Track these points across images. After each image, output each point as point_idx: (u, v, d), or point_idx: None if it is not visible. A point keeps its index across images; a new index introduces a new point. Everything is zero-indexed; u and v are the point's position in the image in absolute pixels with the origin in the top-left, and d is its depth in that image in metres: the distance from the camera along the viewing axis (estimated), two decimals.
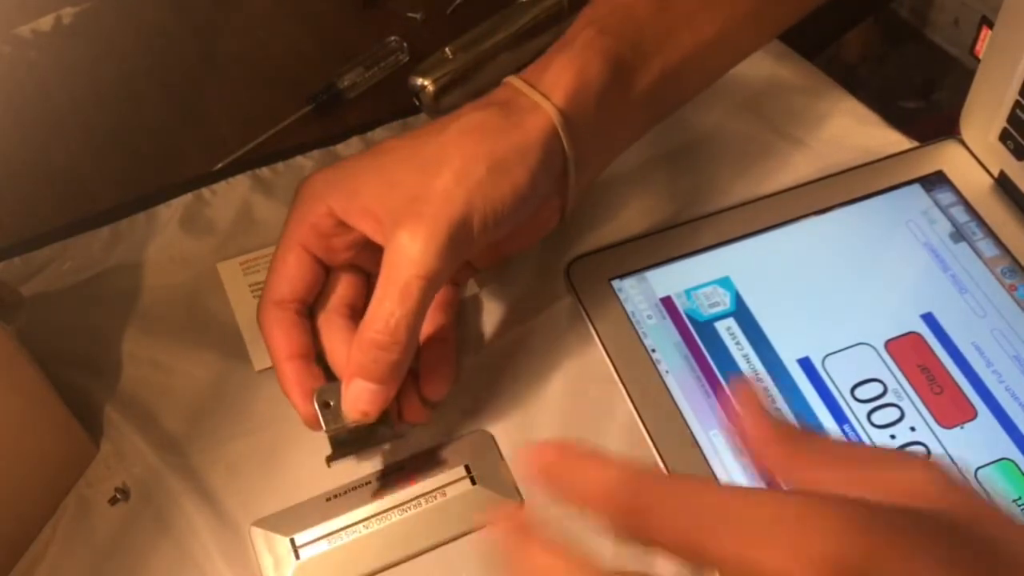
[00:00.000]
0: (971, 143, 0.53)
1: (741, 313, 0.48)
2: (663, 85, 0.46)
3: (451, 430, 0.45)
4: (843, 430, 0.44)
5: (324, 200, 0.42)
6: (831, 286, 0.49)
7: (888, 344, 0.47)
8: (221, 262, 0.51)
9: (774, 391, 0.46)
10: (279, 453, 0.45)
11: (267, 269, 0.49)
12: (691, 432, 0.44)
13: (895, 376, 0.46)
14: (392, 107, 0.58)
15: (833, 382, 0.46)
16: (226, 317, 0.49)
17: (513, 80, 0.44)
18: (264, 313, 0.43)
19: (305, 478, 0.44)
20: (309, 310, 0.45)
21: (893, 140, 0.55)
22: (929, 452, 0.44)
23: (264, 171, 0.55)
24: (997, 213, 0.51)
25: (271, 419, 0.45)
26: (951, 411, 0.45)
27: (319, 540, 0.42)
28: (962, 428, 0.44)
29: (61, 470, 0.44)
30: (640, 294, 0.49)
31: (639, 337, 0.47)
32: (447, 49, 0.57)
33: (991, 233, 0.50)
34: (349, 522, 0.43)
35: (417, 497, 0.43)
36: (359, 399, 0.40)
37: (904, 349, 0.47)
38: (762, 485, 0.43)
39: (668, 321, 0.48)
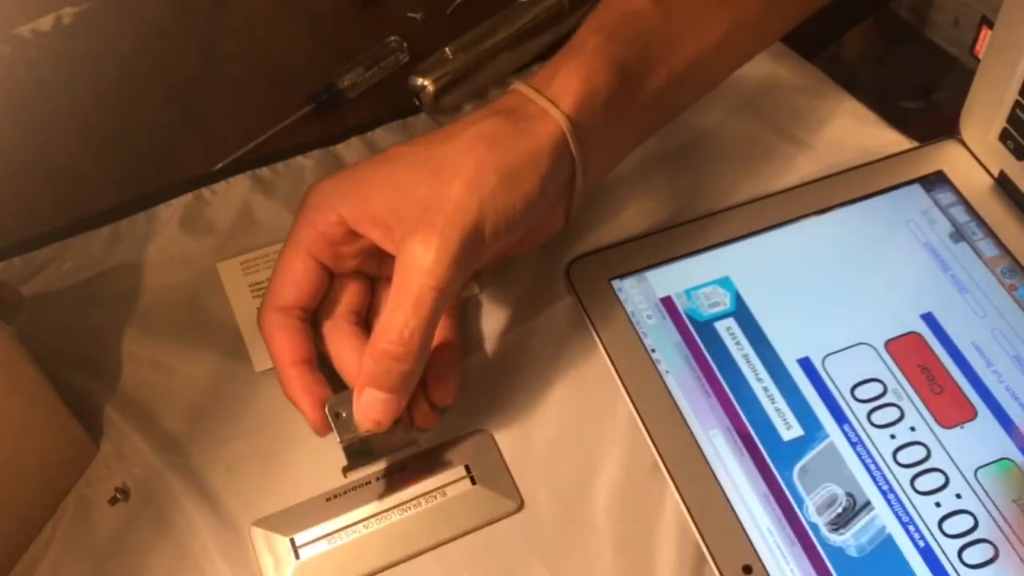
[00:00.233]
0: (971, 143, 0.53)
1: (741, 313, 0.48)
2: (668, 90, 0.46)
3: (451, 430, 0.45)
4: (843, 430, 0.44)
5: (335, 208, 0.42)
6: (831, 286, 0.49)
7: (888, 344, 0.47)
8: (221, 262, 0.51)
9: (774, 391, 0.46)
10: (279, 453, 0.45)
11: (267, 269, 0.49)
12: (691, 432, 0.44)
13: (895, 376, 0.46)
14: (392, 107, 0.58)
15: (833, 382, 0.46)
16: (226, 317, 0.49)
17: (521, 87, 0.44)
18: (266, 318, 0.43)
19: (305, 478, 0.44)
20: (310, 315, 0.45)
21: (893, 140, 0.55)
22: (929, 452, 0.44)
23: (264, 171, 0.55)
24: (997, 213, 0.51)
25: (271, 419, 0.45)
26: (951, 411, 0.45)
27: (319, 540, 0.42)
28: (962, 428, 0.44)
29: (61, 470, 0.44)
30: (640, 294, 0.49)
31: (639, 337, 0.47)
32: (447, 49, 0.57)
33: (991, 233, 0.50)
34: (349, 522, 0.43)
35: (417, 497, 0.43)
36: (371, 408, 0.40)
37: (904, 349, 0.47)
38: (763, 489, 0.43)
39: (668, 321, 0.48)
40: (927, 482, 0.43)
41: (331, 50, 0.61)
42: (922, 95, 0.82)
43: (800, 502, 0.43)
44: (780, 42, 0.59)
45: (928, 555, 0.41)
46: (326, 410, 0.41)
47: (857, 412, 0.45)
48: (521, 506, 0.43)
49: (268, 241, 0.52)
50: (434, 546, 0.42)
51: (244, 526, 0.43)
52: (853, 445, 0.44)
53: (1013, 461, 0.43)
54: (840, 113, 0.57)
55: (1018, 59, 0.47)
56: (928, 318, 0.48)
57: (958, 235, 0.50)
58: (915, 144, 0.55)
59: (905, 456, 0.44)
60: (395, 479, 0.44)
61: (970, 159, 0.53)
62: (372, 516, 0.43)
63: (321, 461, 0.43)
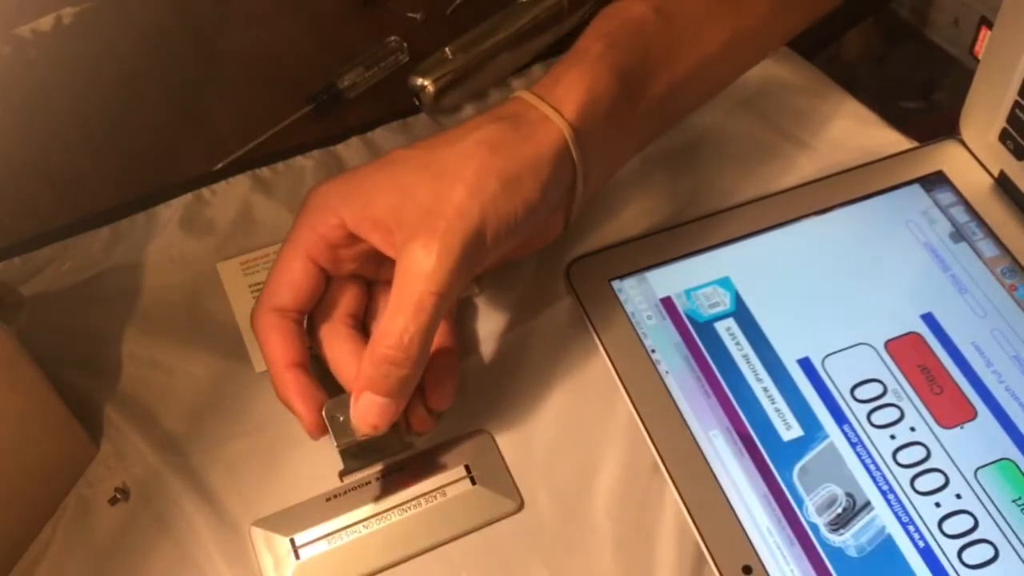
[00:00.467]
0: (971, 143, 0.53)
1: (741, 313, 0.48)
2: (670, 97, 0.47)
3: (451, 430, 0.45)
4: (843, 430, 0.44)
5: (335, 211, 0.42)
6: (831, 286, 0.49)
7: (888, 344, 0.47)
8: (221, 262, 0.51)
9: (774, 391, 0.46)
10: (279, 453, 0.45)
11: (267, 269, 0.49)
12: (691, 432, 0.44)
13: (895, 376, 0.46)
14: (392, 107, 0.58)
15: (833, 382, 0.46)
16: (226, 317, 0.49)
17: (523, 94, 0.44)
18: (261, 319, 0.43)
19: (305, 478, 0.44)
20: (305, 318, 0.45)
21: (893, 140, 0.55)
22: (929, 452, 0.44)
23: (264, 171, 0.55)
24: (997, 213, 0.51)
25: (271, 419, 0.45)
26: (951, 411, 0.45)
27: (319, 540, 0.42)
28: (962, 428, 0.44)
29: (61, 470, 0.44)
30: (640, 294, 0.49)
31: (639, 337, 0.47)
32: (447, 49, 0.57)
33: (991, 233, 0.50)
34: (349, 522, 0.43)
35: (417, 497, 0.43)
36: (369, 412, 0.40)
37: (904, 349, 0.47)
38: (763, 489, 0.43)
39: (668, 321, 0.48)
40: (927, 482, 0.43)
41: (331, 50, 0.61)
42: (922, 95, 0.82)
43: (800, 502, 0.43)
44: None
45: (928, 555, 0.41)
46: (323, 413, 0.41)
47: (857, 412, 0.45)
48: (521, 506, 0.43)
49: (268, 241, 0.52)
50: (434, 546, 0.42)
51: (244, 526, 0.43)
52: (853, 445, 0.44)
53: (1013, 461, 0.43)
54: (840, 113, 0.57)
55: (1018, 59, 0.47)
56: (928, 318, 0.48)
57: (958, 235, 0.50)
58: (915, 144, 0.55)
59: (905, 456, 0.44)
60: (395, 479, 0.44)
61: (970, 159, 0.53)
62: (372, 516, 0.43)
63: (321, 461, 0.43)
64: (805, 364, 0.46)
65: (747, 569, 0.41)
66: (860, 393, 0.45)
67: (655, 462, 0.44)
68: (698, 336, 0.47)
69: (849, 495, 0.43)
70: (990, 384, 0.45)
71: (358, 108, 0.59)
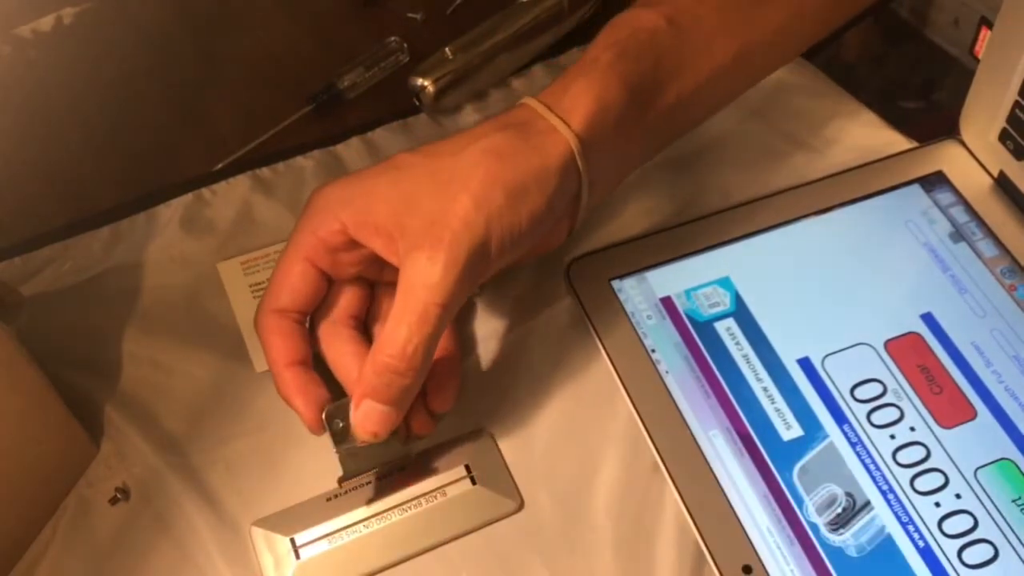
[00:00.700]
0: (971, 143, 0.53)
1: (741, 313, 0.48)
2: (678, 109, 0.46)
3: (451, 430, 0.45)
4: (843, 430, 0.44)
5: (337, 216, 0.42)
6: (831, 286, 0.49)
7: (888, 344, 0.47)
8: (221, 262, 0.51)
9: (774, 391, 0.46)
10: (279, 453, 0.45)
11: (268, 269, 0.49)
12: (691, 432, 0.44)
13: (895, 376, 0.46)
14: (392, 107, 0.58)
15: (833, 382, 0.46)
16: (226, 317, 0.49)
17: (531, 102, 0.44)
18: (263, 320, 0.43)
19: (305, 478, 0.44)
20: (307, 318, 0.45)
21: (893, 140, 0.55)
22: (929, 452, 0.44)
23: (264, 171, 0.55)
24: (997, 213, 0.51)
25: (271, 419, 0.45)
26: (951, 411, 0.45)
27: (319, 540, 0.42)
28: (962, 428, 0.44)
29: (61, 470, 0.44)
30: (640, 294, 0.49)
31: (639, 337, 0.47)
32: (447, 49, 0.57)
33: (991, 233, 0.50)
34: (349, 522, 0.43)
35: (417, 497, 0.43)
36: (369, 420, 0.40)
37: (904, 349, 0.47)
38: (763, 488, 0.43)
39: (668, 321, 0.48)
40: (927, 482, 0.43)
41: (331, 50, 0.61)
42: (922, 95, 0.82)
43: (800, 502, 0.43)
44: None
45: (928, 555, 0.41)
46: (323, 417, 0.41)
47: (857, 412, 0.45)
48: (521, 506, 0.43)
49: (268, 241, 0.52)
50: (434, 546, 0.42)
51: (244, 526, 0.43)
52: (853, 445, 0.44)
53: (1013, 461, 0.43)
54: (840, 113, 0.57)
55: (1018, 59, 0.47)
56: (928, 318, 0.48)
57: (958, 235, 0.50)
58: (915, 144, 0.55)
59: (905, 456, 0.44)
60: (395, 479, 0.44)
61: (970, 159, 0.53)
62: (372, 516, 0.43)
63: (321, 461, 0.43)
64: (805, 364, 0.46)
65: (747, 569, 0.41)
66: (860, 393, 0.45)
67: (655, 462, 0.44)
68: (698, 336, 0.47)
69: (849, 495, 0.43)
70: (990, 384, 0.45)
71: (358, 108, 0.59)
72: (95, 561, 0.42)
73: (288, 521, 0.43)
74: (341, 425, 0.41)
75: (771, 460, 0.44)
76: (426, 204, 0.40)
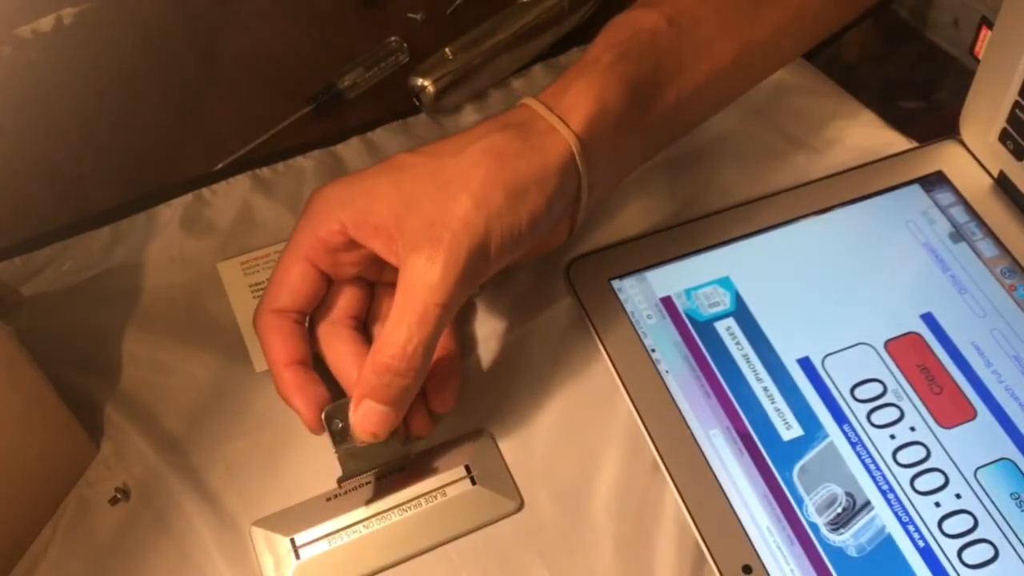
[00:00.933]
0: (971, 143, 0.53)
1: (741, 313, 0.48)
2: (678, 110, 0.46)
3: (451, 430, 0.45)
4: (843, 430, 0.44)
5: (336, 216, 0.42)
6: (831, 286, 0.49)
7: (888, 344, 0.47)
8: (221, 262, 0.51)
9: (774, 391, 0.46)
10: (279, 453, 0.45)
11: (268, 269, 0.49)
12: (691, 432, 0.44)
13: (895, 376, 0.46)
14: (392, 107, 0.58)
15: (833, 382, 0.46)
16: (226, 317, 0.49)
17: (531, 102, 0.44)
18: (262, 320, 0.43)
19: (305, 478, 0.44)
20: (307, 318, 0.45)
21: (893, 140, 0.55)
22: (929, 452, 0.44)
23: (264, 171, 0.55)
24: (997, 213, 0.51)
25: (271, 419, 0.45)
26: (951, 411, 0.45)
27: (319, 540, 0.42)
28: (962, 428, 0.44)
29: (61, 470, 0.44)
30: (640, 294, 0.49)
31: (639, 337, 0.47)
32: (447, 49, 0.57)
33: (991, 233, 0.50)
34: (349, 522, 0.43)
35: (417, 497, 0.43)
36: (368, 420, 0.40)
37: (904, 349, 0.47)
38: (763, 488, 0.43)
39: (668, 321, 0.48)
40: (927, 482, 0.43)
41: (331, 50, 0.61)
42: (922, 95, 0.82)
43: (800, 502, 0.43)
44: None
45: (928, 555, 0.41)
46: (322, 417, 0.41)
47: (857, 412, 0.45)
48: (521, 506, 0.43)
49: (268, 241, 0.52)
50: (434, 546, 0.42)
51: (244, 526, 0.43)
52: (853, 445, 0.44)
53: (1013, 461, 0.43)
54: (840, 113, 0.57)
55: (1018, 59, 0.47)
56: (928, 318, 0.48)
57: (958, 235, 0.50)
58: (915, 144, 0.55)
59: (905, 456, 0.44)
60: (395, 479, 0.44)
61: (970, 159, 0.53)
62: (372, 516, 0.43)
63: (321, 461, 0.43)
64: (805, 364, 0.46)
65: (747, 569, 0.41)
66: (860, 393, 0.45)
67: (655, 462, 0.44)
68: (698, 336, 0.47)
69: (849, 495, 0.43)
70: (990, 384, 0.45)
71: (358, 108, 0.59)
72: (95, 561, 0.42)
73: (288, 521, 0.43)
74: (340, 425, 0.41)
75: (771, 460, 0.44)
76: (426, 204, 0.40)
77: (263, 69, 0.61)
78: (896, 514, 0.42)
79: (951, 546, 0.41)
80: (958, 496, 0.43)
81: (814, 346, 0.47)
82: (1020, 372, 0.46)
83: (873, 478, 0.43)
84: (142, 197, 0.54)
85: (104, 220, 0.53)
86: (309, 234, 0.43)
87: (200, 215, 0.53)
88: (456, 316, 0.47)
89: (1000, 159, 0.51)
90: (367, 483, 0.44)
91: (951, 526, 0.42)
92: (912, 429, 0.44)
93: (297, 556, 0.42)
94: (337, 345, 0.44)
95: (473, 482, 0.44)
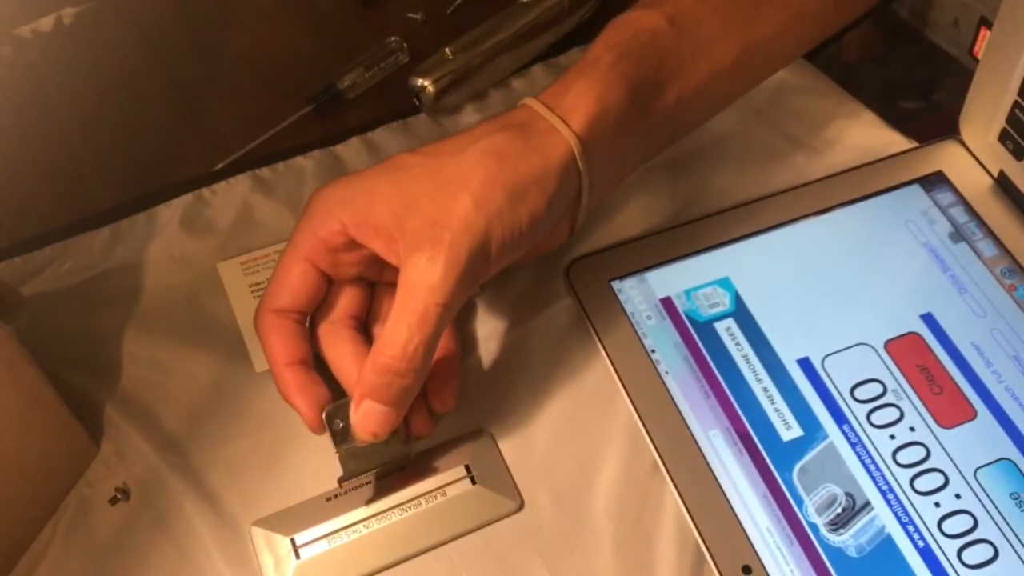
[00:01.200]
0: (971, 143, 0.53)
1: (741, 313, 0.48)
2: (679, 110, 0.46)
3: (451, 430, 0.45)
4: (842, 430, 0.44)
5: (337, 216, 0.42)
6: (831, 286, 0.49)
7: (888, 344, 0.47)
8: (221, 262, 0.51)
9: (774, 391, 0.46)
10: (279, 453, 0.45)
11: (268, 269, 0.49)
12: (691, 432, 0.44)
13: (894, 376, 0.46)
14: (392, 107, 0.58)
15: (832, 382, 0.46)
16: (226, 317, 0.49)
17: (532, 102, 0.44)
18: (262, 320, 0.43)
19: (305, 478, 0.44)
20: (307, 318, 0.45)
21: (893, 140, 0.55)
22: (929, 452, 0.44)
23: (264, 171, 0.55)
24: (997, 213, 0.51)
25: (271, 419, 0.45)
26: (951, 411, 0.45)
27: (319, 540, 0.42)
28: (962, 428, 0.44)
29: (61, 470, 0.44)
30: (640, 295, 0.49)
31: (639, 338, 0.47)
32: (447, 49, 0.57)
33: (991, 233, 0.50)
34: (349, 522, 0.43)
35: (417, 497, 0.43)
36: (369, 420, 0.40)
37: (904, 349, 0.47)
38: (763, 489, 0.43)
39: (668, 321, 0.48)
40: (927, 482, 0.43)
41: (331, 50, 0.61)
42: (922, 95, 0.82)
43: (800, 502, 0.43)
44: None
45: (928, 555, 0.41)
46: (323, 417, 0.41)
47: (856, 412, 0.45)
48: (521, 506, 0.43)
49: (268, 241, 0.52)
50: (434, 546, 0.42)
51: (244, 526, 0.43)
52: (853, 445, 0.44)
53: (1013, 461, 0.43)
54: (840, 113, 0.57)
55: (1017, 59, 0.47)
56: (928, 318, 0.48)
57: (958, 235, 0.50)
58: (915, 144, 0.55)
59: (905, 456, 0.44)
60: (395, 479, 0.44)
61: (970, 159, 0.53)
62: (372, 516, 0.43)
63: (321, 461, 0.43)
64: (805, 364, 0.46)
65: (747, 569, 0.41)
66: (860, 393, 0.45)
67: (655, 462, 0.44)
68: (698, 336, 0.47)
69: (849, 495, 0.43)
70: (990, 384, 0.45)
71: (358, 108, 0.59)
72: (95, 561, 0.42)
73: (288, 521, 0.43)
74: (341, 425, 0.41)
75: (771, 460, 0.44)
76: (426, 204, 0.40)
77: (263, 69, 0.61)
78: (896, 514, 0.42)
79: (951, 546, 0.41)
80: (958, 496, 0.43)
81: (814, 346, 0.47)
82: (1020, 372, 0.46)
83: (873, 478, 0.43)
84: (142, 197, 0.54)
85: (104, 220, 0.53)
86: (309, 234, 0.43)
87: (200, 215, 0.53)
88: (456, 316, 0.47)
89: (1000, 159, 0.51)
90: (367, 483, 0.44)
91: (951, 526, 0.42)
92: (912, 429, 0.44)
93: (297, 556, 0.42)
94: (337, 345, 0.44)
95: (473, 482, 0.44)
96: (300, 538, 0.42)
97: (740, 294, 0.49)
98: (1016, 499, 0.42)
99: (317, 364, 0.44)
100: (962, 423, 0.44)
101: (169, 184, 0.54)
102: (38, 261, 0.51)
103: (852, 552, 0.41)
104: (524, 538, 0.43)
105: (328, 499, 0.43)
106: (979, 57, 0.53)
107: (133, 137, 0.58)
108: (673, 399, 0.45)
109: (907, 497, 0.43)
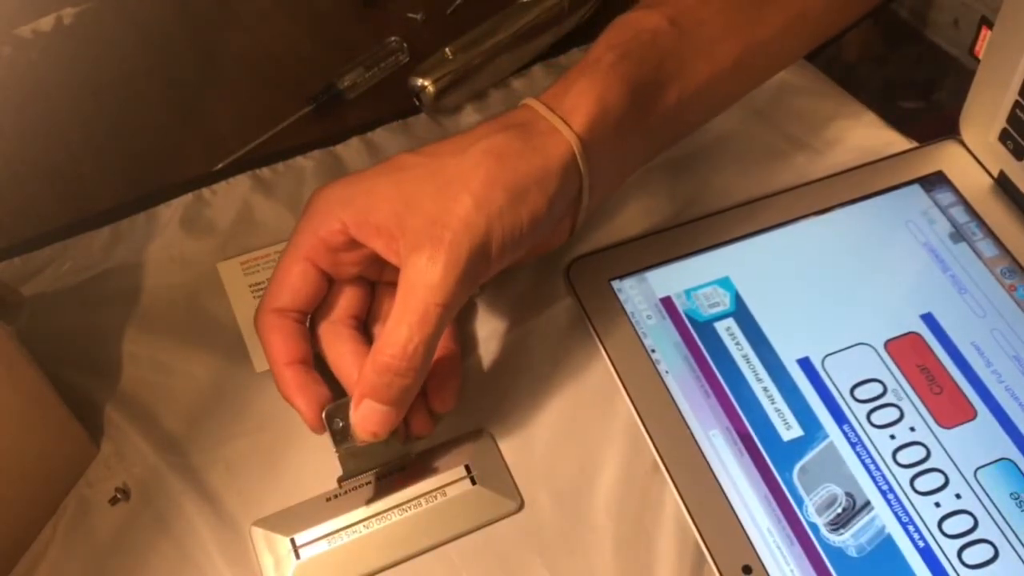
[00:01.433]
0: (971, 143, 0.53)
1: (741, 313, 0.48)
2: (680, 111, 0.46)
3: (451, 430, 0.45)
4: (843, 430, 0.44)
5: (337, 216, 0.42)
6: (831, 286, 0.49)
7: (888, 344, 0.47)
8: (221, 262, 0.51)
9: (774, 391, 0.46)
10: (279, 453, 0.45)
11: (268, 269, 0.49)
12: (691, 432, 0.44)
13: (895, 376, 0.46)
14: (392, 107, 0.58)
15: (833, 382, 0.46)
16: (226, 317, 0.49)
17: (532, 102, 0.44)
18: (262, 319, 0.43)
19: (305, 478, 0.44)
20: (308, 317, 0.45)
21: (893, 140, 0.55)
22: (929, 452, 0.44)
23: (264, 171, 0.55)
24: (997, 213, 0.51)
25: (271, 419, 0.45)
26: (951, 411, 0.45)
27: (319, 540, 0.42)
28: (962, 428, 0.44)
29: (61, 470, 0.44)
30: (640, 294, 0.49)
31: (639, 337, 0.47)
32: (447, 49, 0.57)
33: (991, 233, 0.50)
34: (349, 522, 0.43)
35: (417, 497, 0.43)
36: (369, 420, 0.40)
37: (904, 349, 0.47)
38: (763, 489, 0.43)
39: (668, 321, 0.48)
40: (927, 482, 0.43)
41: (331, 50, 0.61)
42: (922, 95, 0.82)
43: (800, 502, 0.43)
44: None
45: (928, 555, 0.41)
46: (323, 416, 0.41)
47: (857, 412, 0.45)
48: (521, 506, 0.43)
49: (268, 241, 0.52)
50: (434, 546, 0.42)
51: (244, 526, 0.43)
52: (853, 445, 0.44)
53: (1013, 461, 0.43)
54: (840, 113, 0.57)
55: (1018, 59, 0.47)
56: (928, 318, 0.48)
57: (958, 235, 0.50)
58: (915, 144, 0.55)
59: (905, 456, 0.44)
60: (395, 479, 0.44)
61: (970, 159, 0.53)
62: (372, 516, 0.43)
63: (321, 461, 0.43)
64: (805, 364, 0.46)
65: (747, 569, 0.41)
66: (860, 393, 0.45)
67: (655, 462, 0.44)
68: (698, 336, 0.47)
69: (849, 495, 0.43)
70: (990, 384, 0.45)
71: (358, 108, 0.59)
72: (95, 561, 0.42)
73: (288, 521, 0.43)
74: (341, 425, 0.41)
75: (771, 460, 0.44)
76: (427, 204, 0.40)
77: (263, 69, 0.61)
78: (896, 514, 0.42)
79: (951, 546, 0.41)
80: (958, 496, 0.43)
81: (814, 346, 0.47)
82: (1020, 372, 0.46)
83: (873, 478, 0.43)
84: (142, 197, 0.54)
85: (104, 220, 0.53)
86: (310, 234, 0.43)
87: (200, 215, 0.53)
88: (456, 316, 0.47)
89: (1000, 159, 0.51)
90: (367, 483, 0.44)
91: (951, 526, 0.42)
92: (912, 429, 0.44)
93: (297, 556, 0.42)
94: (338, 345, 0.44)
95: (473, 482, 0.44)
96: (300, 538, 0.42)
97: (740, 294, 0.49)
98: (1016, 499, 0.42)
99: (317, 364, 0.44)
100: (962, 423, 0.44)
101: (169, 184, 0.54)
102: (38, 261, 0.51)
103: (852, 552, 0.41)
104: (524, 538, 0.43)
105: (328, 499, 0.43)
106: (980, 57, 0.53)
107: (133, 137, 0.58)
108: (673, 399, 0.45)
109: (907, 497, 0.43)
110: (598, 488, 0.44)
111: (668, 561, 0.42)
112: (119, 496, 0.44)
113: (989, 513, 0.42)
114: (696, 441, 0.44)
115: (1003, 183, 0.52)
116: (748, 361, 0.47)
